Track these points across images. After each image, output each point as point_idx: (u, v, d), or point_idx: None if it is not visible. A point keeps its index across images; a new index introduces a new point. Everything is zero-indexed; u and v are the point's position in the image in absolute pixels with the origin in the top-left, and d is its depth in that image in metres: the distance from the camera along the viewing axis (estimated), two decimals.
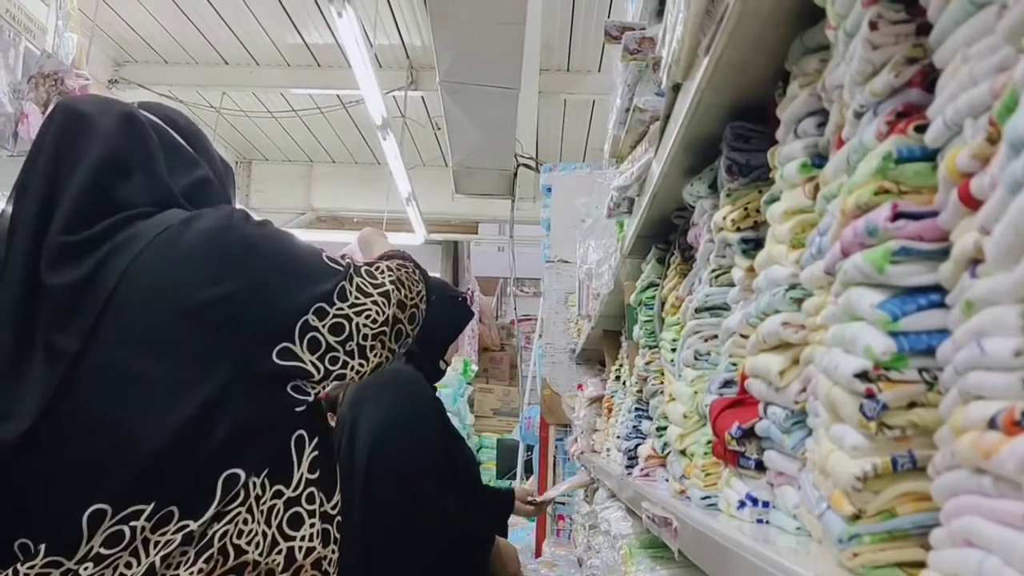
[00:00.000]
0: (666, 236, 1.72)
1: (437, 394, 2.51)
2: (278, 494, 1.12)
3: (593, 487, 3.04)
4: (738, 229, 1.08)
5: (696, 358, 1.27)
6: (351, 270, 1.21)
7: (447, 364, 2.48)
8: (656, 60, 1.41)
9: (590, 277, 2.84)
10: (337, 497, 1.22)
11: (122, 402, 1.05)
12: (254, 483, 1.09)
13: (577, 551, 3.46)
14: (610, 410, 2.59)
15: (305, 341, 1.13)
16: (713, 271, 1.22)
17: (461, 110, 4.73)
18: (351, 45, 4.13)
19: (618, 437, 2.07)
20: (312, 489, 1.16)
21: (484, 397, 8.07)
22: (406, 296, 1.26)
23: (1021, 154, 0.37)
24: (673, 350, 1.41)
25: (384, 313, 1.20)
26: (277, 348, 1.12)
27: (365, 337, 1.18)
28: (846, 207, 0.63)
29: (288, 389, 1.14)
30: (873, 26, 0.64)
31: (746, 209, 1.08)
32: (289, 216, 7.97)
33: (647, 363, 1.71)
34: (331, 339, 1.15)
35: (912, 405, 0.58)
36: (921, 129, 0.58)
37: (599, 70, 5.63)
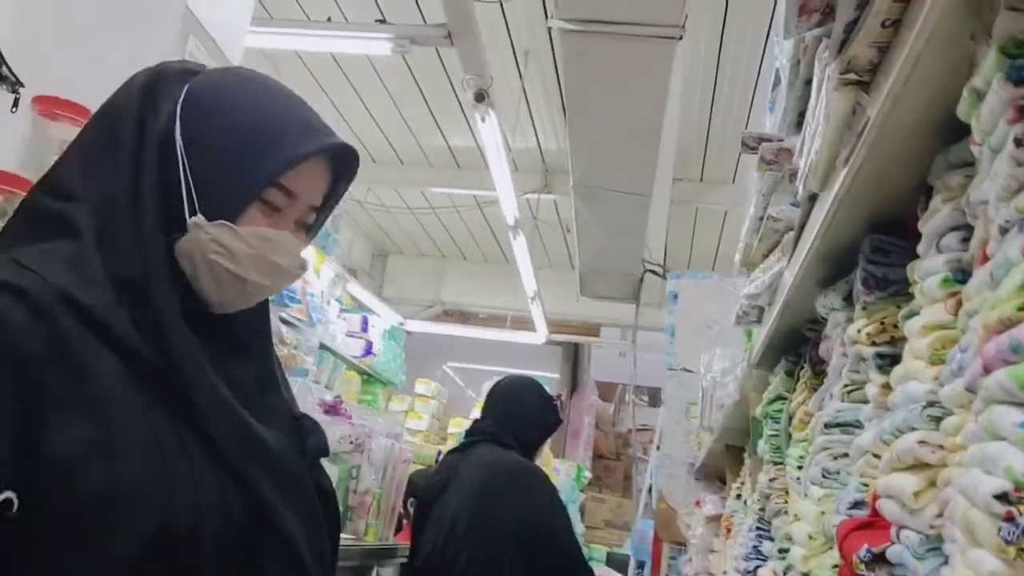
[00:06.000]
0: (796, 348, 1.68)
1: None
2: None
3: None
4: (873, 343, 1.05)
5: (824, 476, 1.22)
6: None
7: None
8: (792, 171, 1.42)
9: (714, 386, 2.78)
10: None
11: None
12: None
13: None
14: (729, 530, 2.48)
15: None
16: (845, 386, 1.18)
17: (592, 214, 4.81)
18: (491, 148, 4.31)
19: (736, 559, 1.98)
20: None
21: (596, 507, 7.88)
22: None
23: None
24: (800, 467, 1.36)
25: None
26: None
27: None
28: (988, 322, 0.61)
29: None
30: (1018, 143, 0.63)
31: (882, 323, 1.05)
32: (417, 308, 8.25)
33: (771, 480, 1.65)
34: None
35: None
36: None
37: (733, 181, 5.64)
